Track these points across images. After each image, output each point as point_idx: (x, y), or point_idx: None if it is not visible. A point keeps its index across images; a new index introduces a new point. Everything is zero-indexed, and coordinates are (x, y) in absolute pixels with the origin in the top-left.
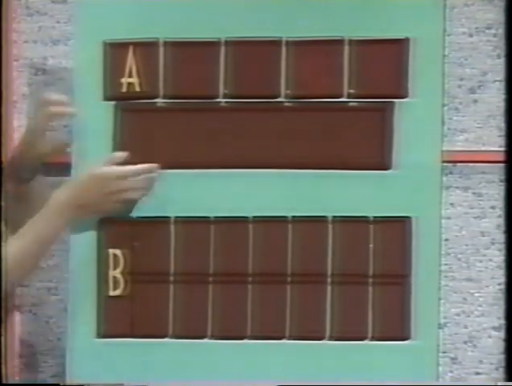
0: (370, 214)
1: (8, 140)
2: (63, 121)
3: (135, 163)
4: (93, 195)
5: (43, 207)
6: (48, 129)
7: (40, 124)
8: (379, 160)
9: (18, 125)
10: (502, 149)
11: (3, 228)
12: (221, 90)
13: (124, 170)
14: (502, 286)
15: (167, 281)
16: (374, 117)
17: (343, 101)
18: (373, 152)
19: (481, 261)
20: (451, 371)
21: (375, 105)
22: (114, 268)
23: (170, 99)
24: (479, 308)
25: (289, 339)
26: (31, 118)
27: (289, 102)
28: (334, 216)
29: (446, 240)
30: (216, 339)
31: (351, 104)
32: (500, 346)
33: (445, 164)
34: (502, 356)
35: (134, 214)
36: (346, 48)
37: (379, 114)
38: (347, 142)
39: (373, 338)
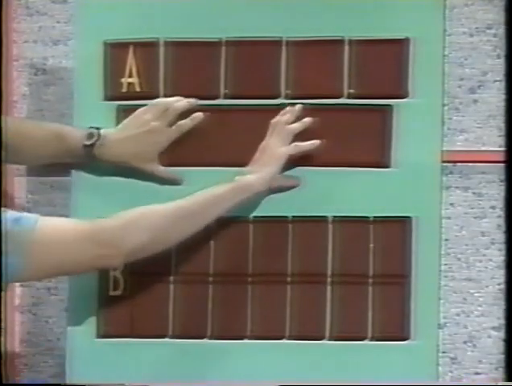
0: (370, 214)
1: None
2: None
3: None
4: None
5: (232, 184)
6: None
7: (167, 142)
8: (379, 159)
9: None
10: (502, 149)
11: (3, 223)
12: (222, 90)
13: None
14: (502, 286)
15: (167, 281)
16: (374, 116)
17: (343, 103)
18: (373, 151)
19: (480, 261)
20: (451, 371)
21: (375, 106)
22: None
23: None
24: (479, 308)
25: (289, 339)
26: (157, 132)
27: (289, 102)
28: (334, 216)
29: (446, 240)
30: (216, 339)
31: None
32: (500, 346)
33: (445, 164)
34: (502, 356)
35: None
36: (346, 48)
37: (379, 114)
38: (347, 142)
39: (373, 338)
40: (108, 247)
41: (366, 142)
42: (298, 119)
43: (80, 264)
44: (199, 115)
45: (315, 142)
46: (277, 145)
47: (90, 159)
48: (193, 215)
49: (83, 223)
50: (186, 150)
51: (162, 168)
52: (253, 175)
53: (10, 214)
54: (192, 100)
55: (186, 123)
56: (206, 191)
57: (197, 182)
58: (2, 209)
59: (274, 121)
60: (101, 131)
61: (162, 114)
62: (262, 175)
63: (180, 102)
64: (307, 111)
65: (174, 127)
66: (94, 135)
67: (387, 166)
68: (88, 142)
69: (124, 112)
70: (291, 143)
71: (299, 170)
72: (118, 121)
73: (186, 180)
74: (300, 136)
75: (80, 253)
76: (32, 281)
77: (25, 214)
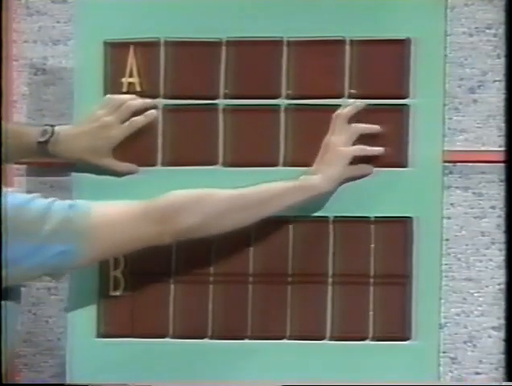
0: (371, 214)
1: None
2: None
3: (135, 162)
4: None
5: (299, 182)
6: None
7: (121, 137)
8: (395, 159)
9: None
10: (502, 149)
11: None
12: (222, 90)
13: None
14: (502, 286)
15: (168, 281)
16: (379, 117)
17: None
18: (388, 150)
19: (480, 261)
20: (451, 371)
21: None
22: (115, 268)
23: (170, 99)
24: (479, 308)
25: (289, 339)
26: (111, 126)
27: (290, 102)
28: (335, 216)
29: (446, 240)
30: (216, 339)
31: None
32: (500, 346)
33: (445, 164)
34: (502, 356)
35: None
36: (347, 48)
37: (383, 115)
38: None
39: (373, 339)
40: (160, 223)
41: (377, 142)
42: (359, 116)
43: (133, 243)
44: (152, 112)
45: (380, 149)
46: (340, 144)
47: (45, 156)
48: (250, 207)
49: (136, 202)
50: (186, 150)
51: (115, 162)
52: (318, 176)
53: (62, 202)
54: (149, 101)
55: (139, 120)
56: (268, 185)
57: (198, 182)
58: (52, 198)
59: (335, 114)
60: (56, 128)
61: (115, 110)
62: (326, 176)
63: (135, 101)
64: (307, 111)
65: (127, 123)
66: (48, 132)
67: (403, 166)
68: (41, 139)
69: None
70: (355, 142)
71: (298, 170)
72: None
73: (186, 180)
74: (300, 135)
75: (134, 232)
76: (87, 266)
77: (78, 200)
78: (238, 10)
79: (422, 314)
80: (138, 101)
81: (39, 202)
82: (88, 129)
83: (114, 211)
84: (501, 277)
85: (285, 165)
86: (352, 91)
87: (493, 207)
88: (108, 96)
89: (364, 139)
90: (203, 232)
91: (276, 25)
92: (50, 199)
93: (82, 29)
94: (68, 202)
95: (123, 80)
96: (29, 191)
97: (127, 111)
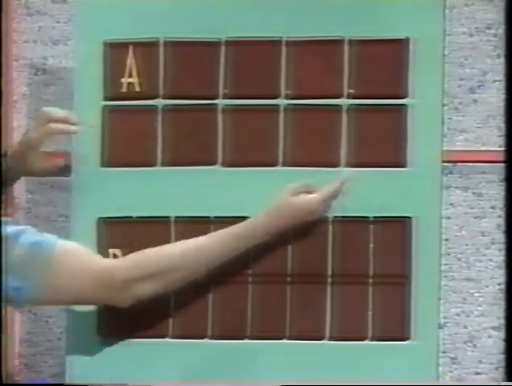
0: (370, 214)
1: (8, 140)
2: (63, 138)
3: (134, 163)
4: (295, 220)
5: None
6: (44, 145)
7: (37, 140)
8: (393, 159)
9: (18, 124)
10: (502, 149)
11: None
12: (221, 90)
13: (325, 195)
14: (502, 286)
15: None
16: (383, 117)
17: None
18: (387, 151)
19: (480, 261)
20: (451, 371)
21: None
22: None
23: (170, 99)
24: (479, 308)
25: (289, 339)
26: (30, 131)
27: (289, 102)
28: (334, 216)
29: (446, 240)
30: (215, 339)
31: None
32: (500, 346)
33: (445, 164)
34: (502, 356)
35: (133, 213)
36: (346, 48)
37: (389, 114)
38: (347, 142)
39: (373, 339)
40: (120, 291)
41: (376, 142)
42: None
43: (89, 299)
44: (72, 129)
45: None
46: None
47: (11, 172)
48: (209, 255)
49: (98, 261)
50: (186, 150)
51: (43, 163)
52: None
53: (29, 235)
54: (73, 117)
55: (55, 127)
56: (217, 233)
57: (197, 182)
58: (24, 227)
59: None
60: None
61: (40, 118)
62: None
63: (55, 112)
64: (306, 111)
65: (44, 127)
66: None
67: (402, 166)
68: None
69: (123, 113)
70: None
71: (298, 171)
72: (117, 121)
73: (186, 180)
74: (299, 135)
75: (92, 291)
76: (44, 305)
77: (44, 237)
78: (237, 10)
79: (421, 314)
80: (56, 113)
81: (9, 229)
82: (19, 140)
83: (76, 264)
84: (501, 277)
85: (284, 165)
86: (351, 91)
87: (493, 207)
88: (42, 109)
89: (363, 139)
90: (162, 292)
91: (275, 25)
92: (21, 228)
93: (82, 29)
94: (34, 237)
95: (122, 80)
96: (29, 191)
97: (45, 118)
